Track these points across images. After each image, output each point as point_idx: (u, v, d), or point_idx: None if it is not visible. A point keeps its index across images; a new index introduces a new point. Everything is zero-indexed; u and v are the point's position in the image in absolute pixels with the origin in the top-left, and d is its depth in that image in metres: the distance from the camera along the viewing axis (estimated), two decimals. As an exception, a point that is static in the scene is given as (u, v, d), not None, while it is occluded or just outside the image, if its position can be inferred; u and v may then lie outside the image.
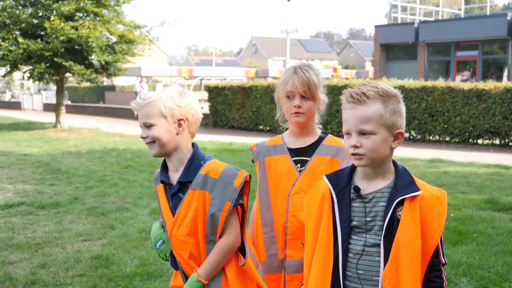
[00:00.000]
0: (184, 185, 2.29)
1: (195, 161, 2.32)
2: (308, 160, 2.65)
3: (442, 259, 1.96)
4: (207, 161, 2.32)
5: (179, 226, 2.27)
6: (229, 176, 2.26)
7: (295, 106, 2.60)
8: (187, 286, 2.24)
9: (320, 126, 2.79)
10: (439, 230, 1.92)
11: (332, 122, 16.13)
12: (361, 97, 1.92)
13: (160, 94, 2.30)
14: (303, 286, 2.11)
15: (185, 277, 2.34)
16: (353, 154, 1.95)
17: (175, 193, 2.30)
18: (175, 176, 2.34)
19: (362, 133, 1.92)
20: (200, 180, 2.26)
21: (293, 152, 2.69)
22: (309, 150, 2.68)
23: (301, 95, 2.60)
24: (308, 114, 2.63)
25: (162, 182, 2.36)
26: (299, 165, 2.66)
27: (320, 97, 2.65)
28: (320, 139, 2.71)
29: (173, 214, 2.30)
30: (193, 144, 2.39)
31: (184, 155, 2.34)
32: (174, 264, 2.39)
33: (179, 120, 2.31)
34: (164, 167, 2.40)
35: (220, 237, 2.26)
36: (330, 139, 2.71)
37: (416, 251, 1.86)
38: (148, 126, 2.29)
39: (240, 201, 2.27)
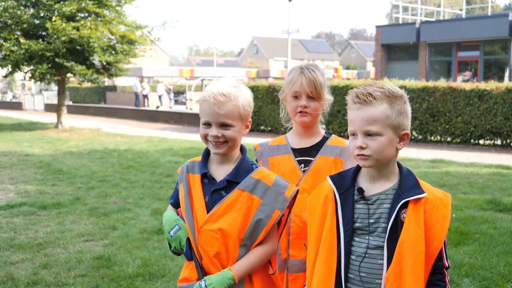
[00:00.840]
0: (229, 184, 2.23)
1: (245, 163, 2.27)
2: (312, 160, 2.65)
3: (446, 262, 1.95)
4: (258, 167, 2.28)
5: (214, 222, 2.19)
6: (281, 186, 2.21)
7: (301, 106, 2.61)
8: (217, 280, 2.14)
9: (324, 126, 2.79)
10: (443, 233, 1.91)
11: (334, 123, 16.13)
12: (367, 97, 1.90)
13: (236, 93, 2.21)
14: (305, 287, 2.11)
15: (201, 272, 2.24)
16: (359, 155, 1.93)
17: (218, 190, 2.24)
18: (217, 172, 2.27)
19: (368, 134, 1.91)
20: (251, 183, 2.20)
21: (297, 152, 2.69)
22: (313, 150, 2.68)
23: (308, 95, 2.61)
24: (313, 114, 2.64)
25: (203, 174, 2.28)
26: (302, 165, 2.66)
27: (325, 97, 2.65)
28: (324, 139, 2.71)
29: (208, 209, 2.22)
30: (242, 147, 2.35)
31: (236, 153, 2.31)
32: (189, 253, 2.29)
33: (246, 123, 2.29)
34: (204, 159, 2.32)
35: (260, 243, 2.21)
36: (334, 139, 2.71)
37: (419, 253, 1.85)
38: (225, 125, 2.20)
39: (283, 214, 2.23)
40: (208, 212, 2.21)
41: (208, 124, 2.21)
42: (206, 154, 2.33)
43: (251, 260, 2.18)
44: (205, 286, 2.14)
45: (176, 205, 2.40)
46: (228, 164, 2.27)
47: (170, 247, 2.31)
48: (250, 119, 2.30)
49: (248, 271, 2.18)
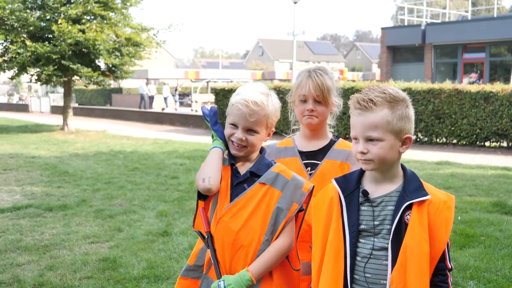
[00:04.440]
0: (251, 177, 2.31)
1: (265, 160, 2.38)
2: (318, 164, 2.65)
3: (449, 264, 1.96)
4: (277, 163, 2.38)
5: (234, 214, 2.25)
6: (299, 181, 2.30)
7: (308, 110, 2.62)
8: (235, 281, 2.18)
9: (332, 130, 2.80)
10: (447, 235, 1.92)
11: (339, 125, 16.11)
12: (368, 103, 1.92)
13: (267, 102, 2.32)
14: (310, 289, 2.12)
15: (219, 270, 2.27)
16: (361, 159, 1.96)
17: (241, 183, 2.31)
18: (241, 168, 2.35)
19: (369, 139, 1.93)
20: (272, 176, 2.28)
21: (304, 155, 2.69)
22: (320, 153, 2.68)
23: (315, 99, 2.62)
24: (321, 117, 2.64)
25: (231, 165, 2.35)
26: (309, 168, 2.66)
27: (333, 102, 2.66)
28: (331, 143, 2.71)
29: (231, 201, 2.29)
30: (261, 149, 2.43)
31: (256, 154, 2.39)
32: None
33: (270, 131, 2.38)
34: (230, 153, 2.39)
35: (276, 240, 2.25)
36: (341, 143, 2.71)
37: (424, 255, 1.86)
38: (251, 130, 2.30)
39: (302, 207, 2.29)
40: None
41: (235, 126, 2.31)
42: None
43: (267, 259, 2.22)
44: (224, 286, 2.17)
45: None
46: (249, 162, 2.37)
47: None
48: (274, 128, 2.41)
49: (265, 270, 2.22)
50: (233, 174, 2.34)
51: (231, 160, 2.36)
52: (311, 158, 2.68)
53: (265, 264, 2.21)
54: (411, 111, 1.99)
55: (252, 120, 2.28)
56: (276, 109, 2.36)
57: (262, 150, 2.42)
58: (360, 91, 2.01)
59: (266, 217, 2.24)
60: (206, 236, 2.30)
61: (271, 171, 2.30)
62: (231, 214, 2.25)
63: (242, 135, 2.28)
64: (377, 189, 2.00)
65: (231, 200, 2.29)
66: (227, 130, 2.34)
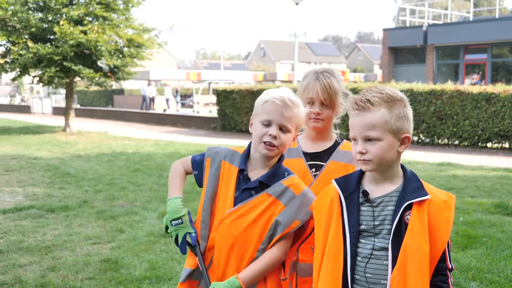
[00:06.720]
0: (261, 186, 2.28)
1: (280, 169, 2.32)
2: (323, 165, 2.65)
3: (449, 264, 1.96)
4: (291, 174, 2.32)
5: (235, 219, 2.24)
6: (308, 198, 2.25)
7: (314, 113, 2.61)
8: None
9: (338, 131, 2.80)
10: (447, 235, 1.92)
11: (341, 126, 16.10)
12: (365, 104, 1.93)
13: (299, 104, 2.31)
14: (312, 290, 2.12)
15: (207, 275, 2.27)
16: (360, 160, 1.97)
17: (249, 189, 2.28)
18: (253, 172, 2.31)
19: (368, 139, 1.94)
20: (280, 189, 2.25)
21: (308, 156, 2.68)
22: (325, 155, 2.67)
23: (321, 103, 2.60)
24: (327, 120, 2.63)
25: (241, 170, 2.31)
26: (313, 169, 2.65)
27: (339, 104, 2.65)
28: (336, 144, 2.70)
29: (235, 204, 2.27)
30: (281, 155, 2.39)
31: (275, 160, 2.35)
32: (184, 247, 2.31)
33: (296, 134, 2.35)
34: (246, 156, 2.36)
35: (269, 250, 2.24)
36: (346, 144, 2.70)
37: (424, 255, 1.86)
38: (283, 129, 2.26)
39: (305, 225, 2.27)
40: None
41: (268, 124, 2.26)
42: (248, 152, 2.37)
43: (257, 268, 2.21)
44: None
45: (198, 178, 2.45)
46: (265, 168, 2.31)
47: (167, 229, 2.33)
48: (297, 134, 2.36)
49: (254, 279, 2.21)
50: (243, 178, 2.31)
51: (243, 166, 2.32)
52: (316, 160, 2.67)
53: (255, 273, 2.20)
54: (409, 111, 1.99)
55: (287, 116, 2.24)
56: (304, 113, 2.34)
57: (281, 157, 2.37)
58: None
59: (266, 227, 2.23)
60: (193, 245, 2.29)
61: (281, 184, 2.26)
62: (232, 218, 2.25)
63: (276, 131, 2.24)
64: (377, 189, 2.00)
65: (235, 204, 2.27)
66: (259, 130, 2.26)
